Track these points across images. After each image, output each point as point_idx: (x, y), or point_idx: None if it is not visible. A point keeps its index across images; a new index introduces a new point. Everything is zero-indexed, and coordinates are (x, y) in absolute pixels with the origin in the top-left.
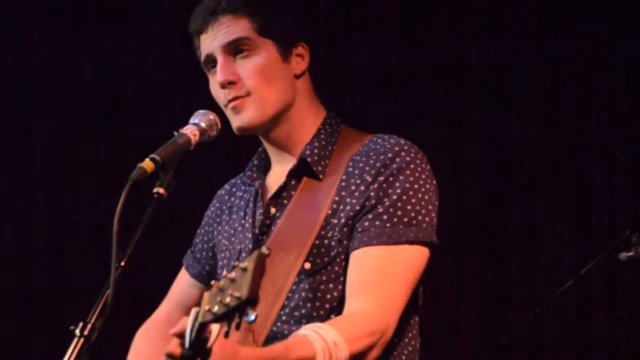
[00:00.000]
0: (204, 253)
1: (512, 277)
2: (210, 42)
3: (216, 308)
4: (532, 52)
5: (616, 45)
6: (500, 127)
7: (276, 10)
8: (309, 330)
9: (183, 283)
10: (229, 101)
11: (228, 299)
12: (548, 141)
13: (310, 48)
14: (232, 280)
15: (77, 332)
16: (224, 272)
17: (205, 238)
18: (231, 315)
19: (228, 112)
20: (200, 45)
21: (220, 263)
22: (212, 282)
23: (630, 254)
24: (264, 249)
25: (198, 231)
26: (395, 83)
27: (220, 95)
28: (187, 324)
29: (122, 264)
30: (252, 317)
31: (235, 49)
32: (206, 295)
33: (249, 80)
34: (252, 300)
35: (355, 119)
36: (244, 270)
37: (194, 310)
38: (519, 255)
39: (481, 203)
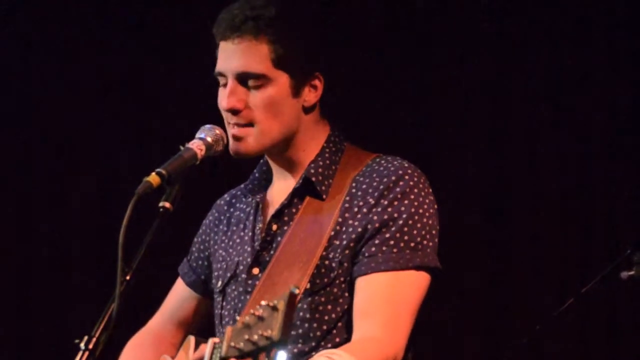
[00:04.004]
0: (200, 262)
1: (513, 294)
2: (226, 59)
3: (242, 345)
4: (533, 59)
5: (620, 55)
6: (501, 142)
7: (299, 38)
8: (323, 357)
9: (178, 293)
10: (232, 125)
11: (256, 337)
12: (550, 156)
13: (326, 78)
14: (260, 318)
15: (82, 345)
16: (219, 283)
17: (202, 247)
18: (257, 353)
19: (229, 131)
20: (218, 52)
21: (216, 273)
22: (237, 317)
23: (632, 272)
24: (294, 289)
25: (195, 239)
26: (400, 99)
27: (225, 111)
28: (205, 354)
29: (128, 277)
30: (284, 358)
31: (247, 77)
32: (229, 330)
33: (256, 111)
34: (283, 342)
35: (360, 137)
36: (274, 309)
37: (211, 341)
38: (519, 273)
39: (481, 220)
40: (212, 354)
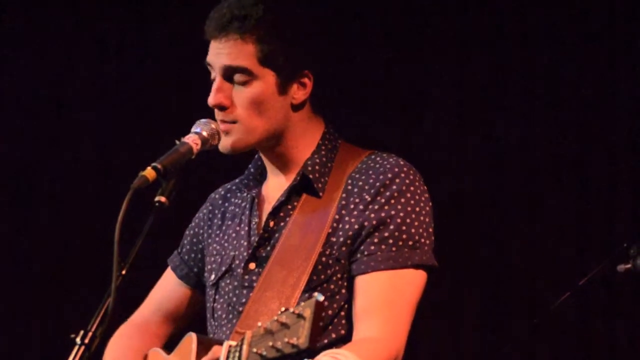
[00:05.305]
0: (192, 255)
1: (511, 288)
2: (213, 55)
3: (264, 351)
4: (533, 56)
5: (620, 52)
6: (498, 137)
7: (286, 37)
8: (327, 357)
9: (168, 285)
10: (220, 121)
11: (280, 344)
12: (548, 153)
13: (315, 76)
14: (284, 325)
15: (78, 340)
16: (212, 276)
17: (195, 240)
18: None
19: (219, 127)
20: (209, 48)
21: (209, 266)
22: (259, 323)
23: (628, 266)
24: (319, 296)
25: (186, 232)
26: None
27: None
28: (220, 357)
29: (124, 272)
30: None
31: (233, 73)
32: (249, 334)
33: (240, 109)
34: (311, 350)
35: (355, 134)
36: (300, 316)
37: (226, 344)
38: (517, 267)
39: (479, 214)
40: (227, 357)
